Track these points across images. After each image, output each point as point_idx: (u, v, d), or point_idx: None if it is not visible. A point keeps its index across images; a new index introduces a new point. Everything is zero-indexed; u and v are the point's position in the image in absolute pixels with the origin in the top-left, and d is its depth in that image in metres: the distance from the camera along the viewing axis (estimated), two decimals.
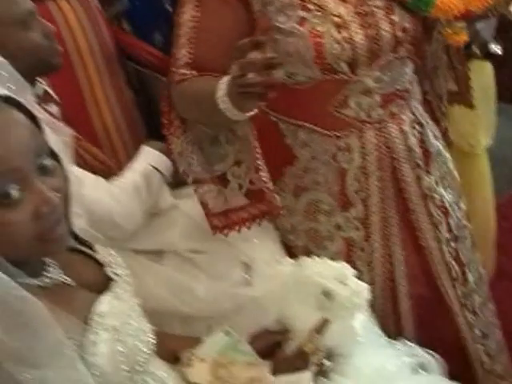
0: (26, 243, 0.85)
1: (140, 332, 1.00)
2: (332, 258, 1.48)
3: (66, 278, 0.97)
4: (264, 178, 1.59)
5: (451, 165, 1.85)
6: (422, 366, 1.44)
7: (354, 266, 1.49)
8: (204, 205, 1.58)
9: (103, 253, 1.10)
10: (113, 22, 2.44)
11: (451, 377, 1.48)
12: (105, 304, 0.97)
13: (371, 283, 1.59)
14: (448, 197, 1.79)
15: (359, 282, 1.41)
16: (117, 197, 1.56)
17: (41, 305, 0.83)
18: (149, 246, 1.65)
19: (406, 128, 1.69)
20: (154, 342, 1.05)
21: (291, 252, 1.72)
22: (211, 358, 1.21)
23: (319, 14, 1.49)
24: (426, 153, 1.75)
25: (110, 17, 2.44)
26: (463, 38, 1.60)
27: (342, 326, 1.36)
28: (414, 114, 1.72)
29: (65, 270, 0.98)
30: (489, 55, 2.26)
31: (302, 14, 1.49)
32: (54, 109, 1.59)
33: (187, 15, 1.51)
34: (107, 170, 1.65)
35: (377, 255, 1.71)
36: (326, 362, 1.31)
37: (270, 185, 1.61)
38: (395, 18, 1.56)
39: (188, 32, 1.50)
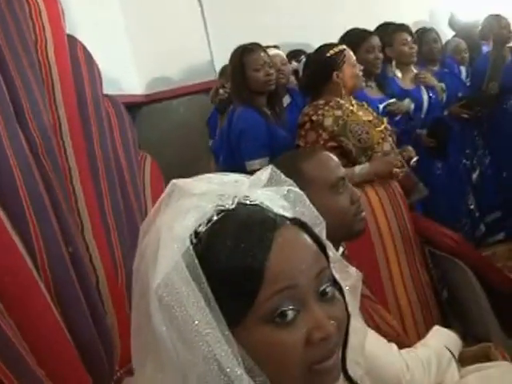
0: (295, 368, 0.81)
1: None
2: None
3: None
4: None
5: None
6: None
7: None
8: None
9: None
10: (412, 207, 2.53)
11: None
12: None
13: None
14: None
15: None
16: (411, 368, 1.53)
17: None
18: None
19: None
20: None
21: None
22: None
23: None
24: None
25: (410, 204, 2.54)
26: None
27: None
28: None
29: None
30: None
31: None
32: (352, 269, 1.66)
33: None
34: (396, 339, 1.63)
35: None
36: None
37: None
38: None
39: None
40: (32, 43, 1.57)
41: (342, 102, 2.74)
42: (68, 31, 1.74)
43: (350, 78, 2.77)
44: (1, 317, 1.10)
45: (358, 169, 2.57)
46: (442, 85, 3.95)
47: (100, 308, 1.50)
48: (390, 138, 2.74)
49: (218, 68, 4.15)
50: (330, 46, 2.84)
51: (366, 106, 2.86)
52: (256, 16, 4.45)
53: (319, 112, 2.67)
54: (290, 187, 0.97)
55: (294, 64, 3.43)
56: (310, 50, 4.19)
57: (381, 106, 3.21)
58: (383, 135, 2.69)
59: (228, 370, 0.79)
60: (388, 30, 3.74)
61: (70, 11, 1.90)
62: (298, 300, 0.82)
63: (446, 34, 4.75)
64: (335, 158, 1.62)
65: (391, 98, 3.41)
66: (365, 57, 3.11)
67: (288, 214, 0.90)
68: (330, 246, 0.95)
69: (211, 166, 3.66)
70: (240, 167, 2.89)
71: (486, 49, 4.49)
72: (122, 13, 4.26)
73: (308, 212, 0.96)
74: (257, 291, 0.80)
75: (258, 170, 3.00)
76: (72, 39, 1.83)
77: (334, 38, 3.49)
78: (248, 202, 0.89)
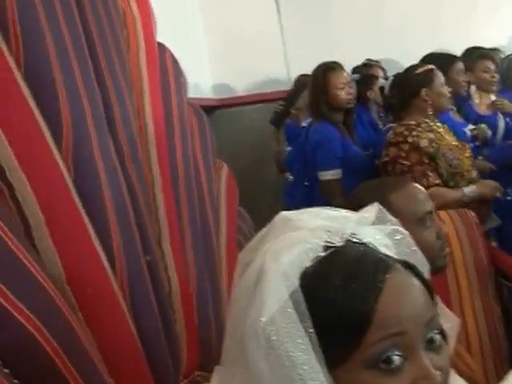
0: None
1: None
2: None
3: None
4: None
5: None
6: None
7: None
8: None
9: None
10: (488, 238, 2.45)
11: None
12: None
13: None
14: None
15: None
16: None
17: None
18: None
19: None
20: None
21: None
22: None
23: None
24: None
25: (485, 232, 2.46)
26: None
27: None
28: None
29: None
30: None
31: None
32: None
33: None
34: (470, 378, 1.57)
35: None
36: None
37: None
38: None
39: None
40: (125, 51, 1.58)
41: (431, 123, 2.71)
42: None
43: (438, 96, 2.74)
44: (79, 326, 1.10)
45: (467, 190, 2.57)
46: None
47: (171, 318, 1.49)
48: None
49: (293, 78, 4.13)
50: (419, 65, 2.83)
51: (447, 129, 2.81)
52: (333, 29, 4.42)
53: (413, 133, 2.65)
54: (395, 226, 0.94)
55: (382, 81, 3.43)
56: (385, 66, 4.16)
57: (467, 131, 3.15)
58: (471, 163, 2.66)
59: None
60: (473, 55, 3.67)
61: None
62: (406, 347, 0.78)
63: None
64: (424, 190, 1.57)
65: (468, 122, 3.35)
66: (455, 78, 3.08)
67: (392, 255, 0.87)
68: None
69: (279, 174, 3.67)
70: (312, 178, 2.93)
71: None
72: (201, 18, 4.29)
73: (412, 254, 0.93)
74: (364, 334, 0.77)
75: (331, 180, 3.03)
76: (161, 47, 1.83)
77: (412, 55, 3.43)
78: (356, 240, 0.85)
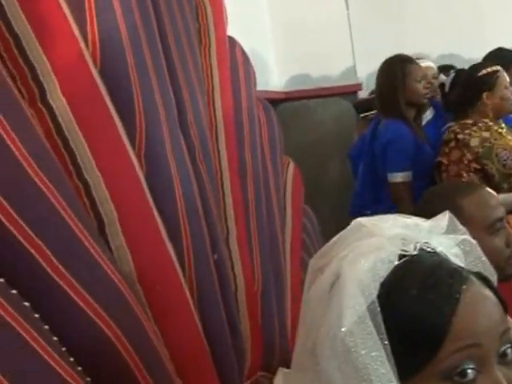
0: None
1: None
2: None
3: None
4: None
5: None
6: None
7: None
8: None
9: None
10: None
11: None
12: None
13: None
14: None
15: None
16: None
17: None
18: None
19: None
20: None
21: None
22: None
23: None
24: None
25: None
26: None
27: None
28: None
29: None
30: None
31: None
32: None
33: None
34: None
35: None
36: None
37: None
38: None
39: None
40: (197, 44, 1.57)
41: (490, 123, 2.61)
42: None
43: (500, 100, 2.63)
44: (149, 324, 1.10)
45: (501, 197, 2.45)
46: None
47: (236, 317, 1.47)
48: None
49: (360, 73, 4.07)
50: (484, 65, 2.71)
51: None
52: (402, 25, 4.33)
53: (466, 131, 2.56)
54: (464, 236, 0.92)
55: (442, 77, 3.31)
56: (453, 62, 4.04)
57: None
58: None
59: None
60: None
61: None
62: (480, 360, 0.77)
63: None
64: (496, 196, 1.51)
65: None
66: None
67: (463, 265, 0.85)
68: None
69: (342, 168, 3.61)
70: (379, 177, 2.82)
71: None
72: (268, 10, 4.26)
73: (481, 264, 0.91)
74: (439, 346, 0.76)
75: (400, 183, 2.91)
76: (232, 41, 1.82)
77: (482, 52, 3.32)
78: (429, 249, 0.83)
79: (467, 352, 0.76)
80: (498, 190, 2.50)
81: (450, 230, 0.91)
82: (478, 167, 2.53)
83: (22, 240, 0.82)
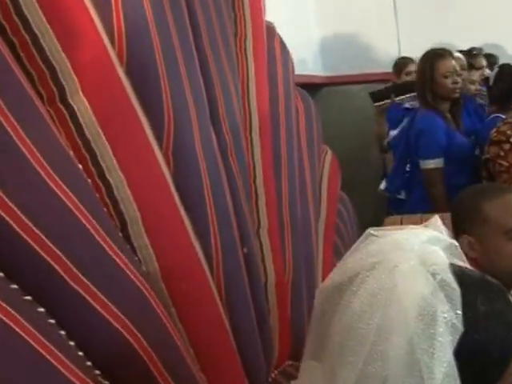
0: None
1: None
2: None
3: None
4: None
5: None
6: None
7: None
8: None
9: None
10: None
11: None
12: None
13: None
14: None
15: None
16: None
17: None
18: None
19: None
20: None
21: None
22: None
23: None
24: None
25: None
26: None
27: None
28: None
29: None
30: None
31: None
32: None
33: None
34: None
35: None
36: None
37: None
38: None
39: None
40: (232, 35, 1.48)
41: None
42: None
43: None
44: (171, 324, 1.03)
45: None
46: None
47: (265, 310, 1.40)
48: None
49: None
50: None
51: None
52: (448, 14, 4.12)
53: None
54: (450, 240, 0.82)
55: (488, 72, 3.17)
56: (501, 53, 3.85)
57: None
58: None
59: None
60: None
61: None
62: None
63: None
64: None
65: None
66: None
67: None
68: None
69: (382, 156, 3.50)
70: (414, 165, 2.75)
71: None
72: None
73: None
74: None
75: (433, 169, 2.82)
76: (270, 30, 1.72)
77: None
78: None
79: None
80: None
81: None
82: None
83: (37, 248, 0.76)
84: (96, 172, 0.91)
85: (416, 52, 2.92)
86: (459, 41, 3.50)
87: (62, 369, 0.75)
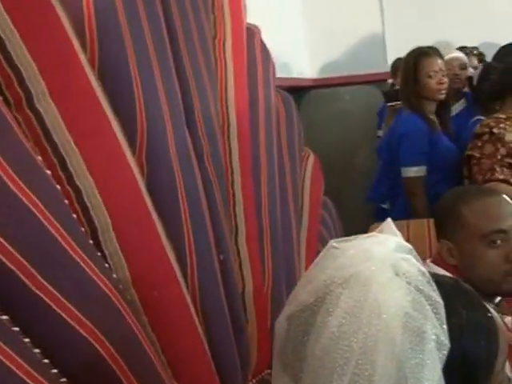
0: None
1: None
2: None
3: None
4: None
5: None
6: None
7: None
8: None
9: None
10: None
11: None
12: None
13: None
14: None
15: None
16: None
17: None
18: None
19: None
20: None
21: None
22: None
23: None
24: None
25: None
26: None
27: None
28: None
29: None
30: None
31: None
32: (508, 320, 1.45)
33: None
34: None
35: None
36: None
37: None
38: None
39: None
40: (211, 38, 1.49)
41: None
42: None
43: None
44: (142, 331, 1.04)
45: None
46: None
47: (242, 318, 1.41)
48: None
49: (391, 61, 3.93)
50: None
51: None
52: (436, 13, 4.15)
53: (501, 125, 2.42)
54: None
55: (471, 70, 3.16)
56: (486, 51, 3.88)
57: None
58: None
59: None
60: None
61: None
62: None
63: None
64: (509, 206, 1.38)
65: None
66: None
67: None
68: None
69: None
70: (397, 172, 2.70)
71: None
72: None
73: None
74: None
75: (412, 178, 2.80)
76: (250, 31, 1.73)
77: None
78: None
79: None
80: None
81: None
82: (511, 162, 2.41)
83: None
84: (65, 177, 0.92)
85: (403, 53, 2.90)
86: (445, 38, 3.52)
87: (24, 377, 0.76)
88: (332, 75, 4.12)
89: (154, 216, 1.08)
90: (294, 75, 3.85)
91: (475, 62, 3.54)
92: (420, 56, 2.68)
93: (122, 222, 1.00)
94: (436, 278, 0.73)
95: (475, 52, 3.75)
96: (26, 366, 0.77)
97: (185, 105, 1.22)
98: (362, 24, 4.09)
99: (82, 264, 0.89)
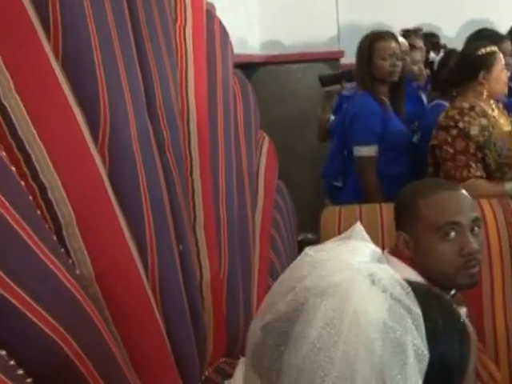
0: None
1: None
2: None
3: None
4: None
5: None
6: None
7: None
8: None
9: None
10: None
11: None
12: None
13: None
14: None
15: None
16: None
17: None
18: None
19: None
20: None
21: None
22: None
23: None
24: None
25: None
26: None
27: None
28: None
29: None
30: None
31: None
32: (463, 311, 1.51)
33: None
34: None
35: None
36: None
37: None
38: None
39: None
40: (172, 22, 1.47)
41: (485, 107, 2.55)
42: None
43: (496, 81, 2.56)
44: (105, 327, 1.04)
45: (508, 187, 2.43)
46: None
47: (199, 307, 1.43)
48: None
49: (343, 40, 3.97)
50: (481, 44, 2.63)
51: (502, 110, 2.65)
52: None
53: (465, 118, 2.48)
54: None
55: (432, 55, 3.23)
56: (440, 34, 3.96)
57: None
58: None
59: None
60: None
61: None
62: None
63: None
64: (466, 200, 1.42)
65: None
66: None
67: None
68: None
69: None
70: (350, 150, 2.77)
71: None
72: None
73: None
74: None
75: (364, 157, 2.87)
76: (210, 14, 1.72)
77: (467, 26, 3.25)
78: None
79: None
80: (493, 180, 2.47)
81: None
82: (481, 156, 2.47)
83: None
84: (30, 173, 0.91)
85: (356, 30, 2.94)
86: (396, 22, 3.57)
87: None
88: (284, 52, 4.12)
89: (117, 209, 1.09)
90: (247, 52, 3.83)
91: (419, 43, 3.57)
92: (375, 39, 2.75)
93: (86, 217, 0.99)
94: (413, 287, 0.76)
95: (422, 32, 3.80)
96: None
97: (146, 94, 1.22)
98: (316, 3, 4.10)
99: (46, 261, 0.88)
